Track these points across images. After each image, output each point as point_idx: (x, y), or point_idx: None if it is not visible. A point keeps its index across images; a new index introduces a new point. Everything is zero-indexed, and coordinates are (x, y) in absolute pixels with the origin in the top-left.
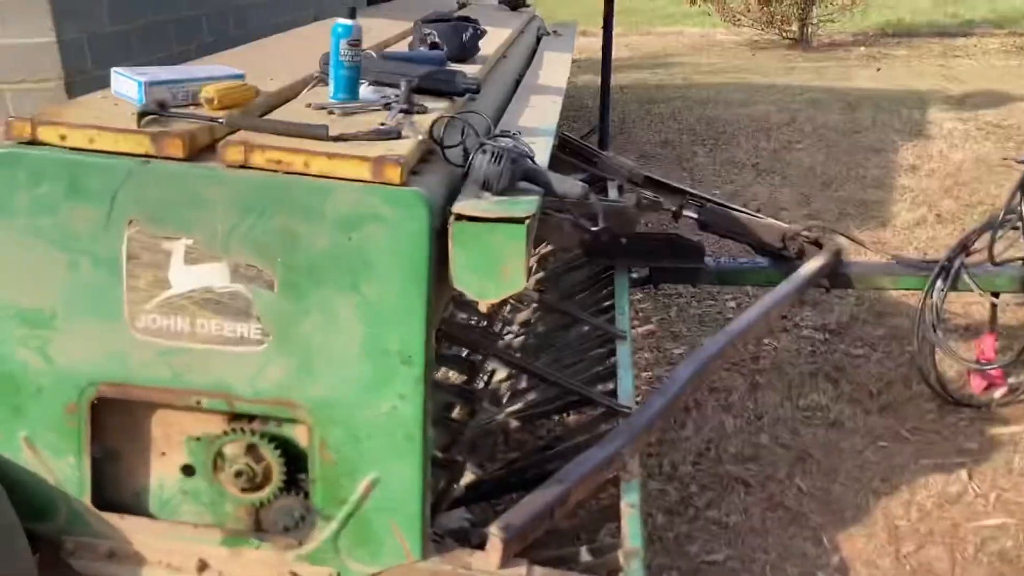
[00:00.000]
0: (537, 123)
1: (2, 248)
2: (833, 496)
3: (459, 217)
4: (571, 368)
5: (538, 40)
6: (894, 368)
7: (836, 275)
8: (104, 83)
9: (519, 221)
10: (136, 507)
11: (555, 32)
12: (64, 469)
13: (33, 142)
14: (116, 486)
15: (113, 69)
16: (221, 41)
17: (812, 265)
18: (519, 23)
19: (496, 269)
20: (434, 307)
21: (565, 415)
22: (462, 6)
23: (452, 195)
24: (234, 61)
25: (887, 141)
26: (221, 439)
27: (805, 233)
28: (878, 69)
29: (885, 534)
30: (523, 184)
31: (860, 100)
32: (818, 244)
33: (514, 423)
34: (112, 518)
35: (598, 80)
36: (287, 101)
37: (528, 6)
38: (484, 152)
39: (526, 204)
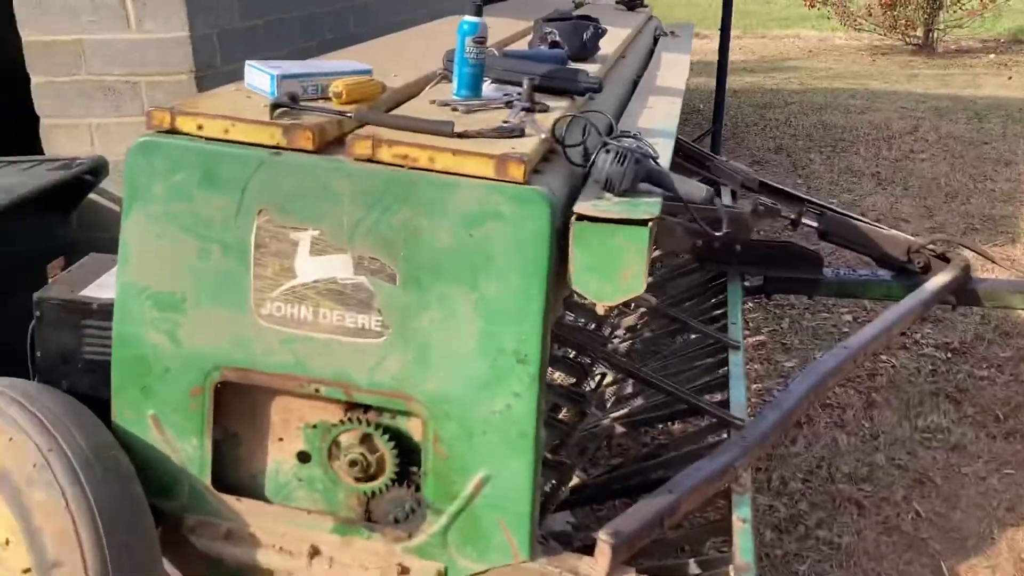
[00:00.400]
0: (656, 124)
1: (139, 233)
2: (954, 523)
3: (580, 217)
4: (679, 376)
5: (655, 40)
6: (1022, 392)
7: (964, 291)
8: (231, 77)
9: (642, 223)
10: (253, 490)
11: (672, 33)
12: (187, 449)
13: (172, 131)
14: (235, 468)
15: (247, 62)
16: (341, 38)
17: (939, 280)
18: (637, 23)
19: (616, 271)
20: (551, 307)
21: (670, 423)
22: (579, 5)
23: (573, 194)
24: (358, 57)
25: (1018, 153)
26: (337, 428)
27: (931, 246)
28: (1009, 77)
29: (1011, 567)
30: (645, 186)
31: (989, 109)
32: (944, 258)
33: (619, 428)
34: (230, 499)
35: (709, 83)
36: (411, 97)
37: (645, 6)
38: (607, 152)
39: (649, 206)
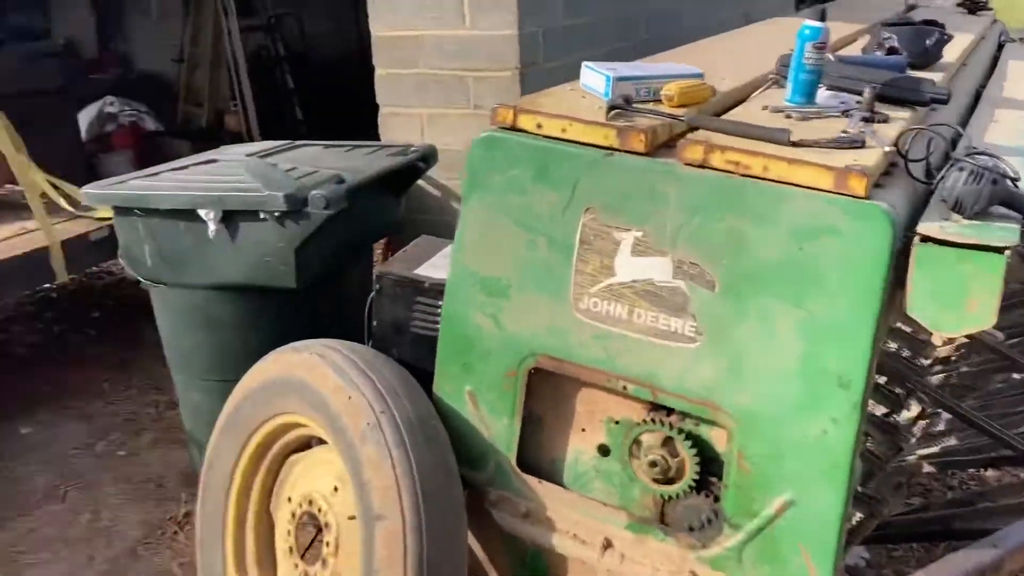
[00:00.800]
0: (1005, 140)
1: (475, 221)
2: None
3: (925, 239)
4: (1003, 420)
5: (999, 47)
6: None
7: None
8: (551, 74)
9: (997, 251)
10: (551, 475)
11: (1021, 40)
12: (497, 427)
13: (513, 128)
14: (537, 452)
15: (584, 63)
16: (656, 40)
17: None
18: (979, 28)
19: (961, 301)
20: (881, 332)
21: (983, 470)
22: (911, 8)
23: (913, 213)
24: (683, 59)
25: None
26: (640, 427)
27: None
28: None
29: None
30: (1000, 209)
31: None
32: None
33: (926, 467)
34: (532, 480)
35: None
36: (739, 102)
37: (990, 9)
38: (960, 169)
39: (1007, 232)
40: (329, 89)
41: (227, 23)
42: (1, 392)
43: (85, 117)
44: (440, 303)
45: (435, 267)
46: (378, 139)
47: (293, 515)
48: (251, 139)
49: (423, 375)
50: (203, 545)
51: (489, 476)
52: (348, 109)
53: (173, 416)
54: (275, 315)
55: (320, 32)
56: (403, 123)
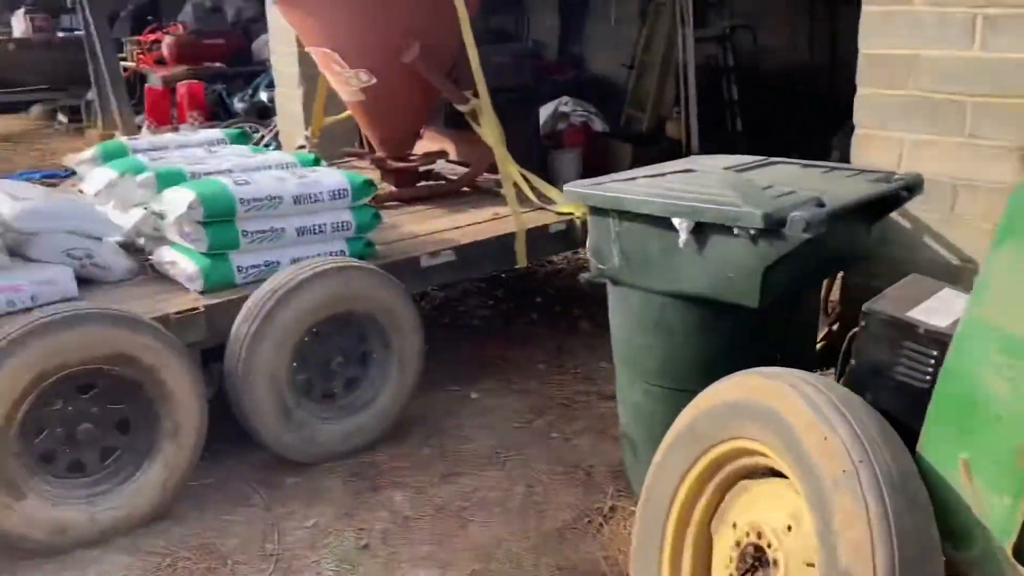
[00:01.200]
0: None
1: (1006, 269)
2: None
3: None
4: None
5: None
6: None
7: None
8: None
9: None
10: None
11: None
12: (995, 506)
13: None
14: None
15: None
16: None
17: None
18: None
19: None
20: None
21: None
22: None
23: None
24: None
25: None
26: None
27: None
28: None
29: None
30: None
31: None
32: None
33: None
34: None
35: None
36: None
37: None
38: None
39: None
40: (774, 102)
41: (683, 32)
42: (458, 358)
43: (542, 114)
44: (934, 352)
45: (931, 311)
46: (819, 158)
47: (738, 543)
48: (689, 147)
49: (899, 428)
50: (640, 549)
51: (974, 558)
52: (791, 123)
53: (604, 409)
54: (728, 331)
55: (772, 46)
56: (880, 146)
